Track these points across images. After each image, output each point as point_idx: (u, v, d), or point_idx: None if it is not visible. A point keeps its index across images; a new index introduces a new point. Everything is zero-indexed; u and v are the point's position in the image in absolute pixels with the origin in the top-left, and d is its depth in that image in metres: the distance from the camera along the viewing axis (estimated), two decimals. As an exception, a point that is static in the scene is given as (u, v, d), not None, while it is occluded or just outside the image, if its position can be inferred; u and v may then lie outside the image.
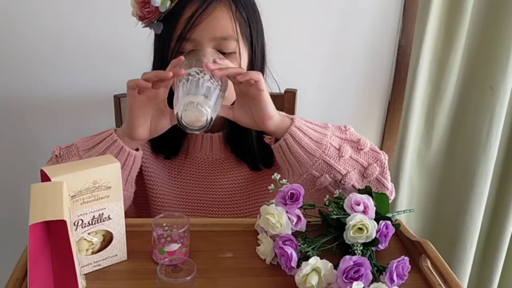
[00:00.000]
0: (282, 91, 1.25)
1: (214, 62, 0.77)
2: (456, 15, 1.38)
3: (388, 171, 0.86)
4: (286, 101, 1.22)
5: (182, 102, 0.71)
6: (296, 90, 1.26)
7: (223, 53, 0.85)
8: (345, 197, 0.75)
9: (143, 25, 0.89)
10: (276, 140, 0.85)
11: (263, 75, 0.92)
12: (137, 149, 0.84)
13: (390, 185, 0.87)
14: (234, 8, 0.85)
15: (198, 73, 0.74)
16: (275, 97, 1.08)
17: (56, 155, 0.85)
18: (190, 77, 0.73)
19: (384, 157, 0.87)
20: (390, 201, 0.86)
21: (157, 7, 0.84)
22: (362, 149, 0.85)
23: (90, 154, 0.82)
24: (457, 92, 1.48)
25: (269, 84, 0.98)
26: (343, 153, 0.83)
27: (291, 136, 0.81)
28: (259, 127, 0.83)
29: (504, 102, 1.41)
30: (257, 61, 0.91)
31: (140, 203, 1.00)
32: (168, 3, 0.83)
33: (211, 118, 0.72)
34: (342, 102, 1.53)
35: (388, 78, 1.54)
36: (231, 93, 0.83)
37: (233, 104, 0.85)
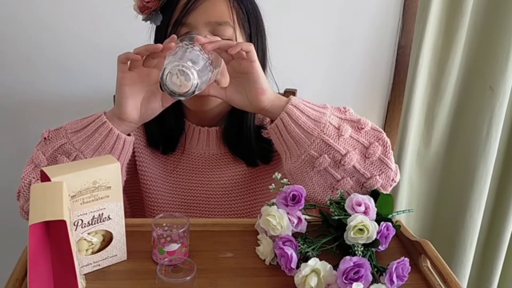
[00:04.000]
0: (282, 91, 1.25)
1: (205, 37, 0.77)
2: (455, 15, 1.38)
3: (391, 151, 0.82)
4: (286, 101, 1.22)
5: (168, 66, 0.70)
6: (296, 90, 1.26)
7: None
8: (347, 196, 0.75)
9: (144, 17, 0.89)
10: (272, 121, 0.83)
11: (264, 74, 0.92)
12: (128, 135, 0.82)
13: (394, 165, 0.82)
14: None
15: (187, 45, 0.73)
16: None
17: (44, 138, 0.84)
18: (178, 48, 0.73)
19: (386, 136, 0.82)
20: (395, 183, 0.83)
21: None
22: (362, 128, 0.81)
23: (79, 136, 0.80)
24: (456, 92, 1.48)
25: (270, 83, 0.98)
26: (343, 132, 0.79)
27: (288, 114, 0.78)
28: (253, 105, 0.80)
29: (504, 102, 1.41)
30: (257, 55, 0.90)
31: (135, 200, 1.00)
32: None
33: (197, 84, 0.70)
34: (342, 102, 1.51)
35: (388, 78, 1.54)
36: (224, 77, 0.83)
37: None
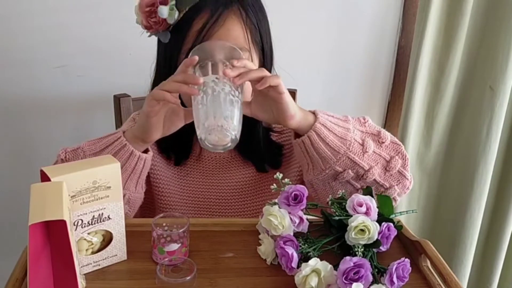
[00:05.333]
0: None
1: (232, 66, 0.72)
2: (455, 16, 1.38)
3: (408, 162, 0.85)
4: (286, 101, 1.22)
5: (205, 127, 0.67)
6: (296, 90, 1.26)
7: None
8: (348, 198, 0.75)
9: (149, 34, 0.86)
10: (297, 135, 0.82)
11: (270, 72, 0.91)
12: (146, 150, 0.82)
13: (410, 175, 0.85)
14: (245, 14, 0.82)
15: (216, 84, 0.69)
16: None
17: (61, 159, 0.82)
18: (209, 91, 0.69)
19: (404, 148, 0.85)
20: (409, 191, 0.86)
21: (165, 18, 0.80)
22: (383, 142, 0.83)
23: None
24: (456, 92, 1.49)
25: None
26: (367, 148, 0.80)
27: (316, 133, 0.78)
28: (280, 124, 0.81)
29: (504, 102, 1.41)
30: (267, 61, 0.89)
31: (145, 202, 1.00)
32: (176, 14, 0.80)
33: (235, 137, 0.68)
34: (342, 102, 1.53)
35: (388, 78, 1.54)
36: (247, 90, 0.80)
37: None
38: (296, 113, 0.77)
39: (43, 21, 1.30)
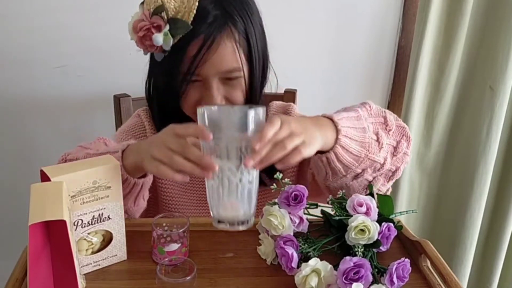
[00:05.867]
0: (282, 91, 1.25)
1: (253, 150, 0.64)
2: (455, 16, 1.38)
3: (411, 141, 0.85)
4: (286, 101, 1.22)
5: (220, 215, 0.66)
6: (296, 90, 1.26)
7: (229, 79, 0.84)
8: (348, 198, 0.75)
9: (144, 52, 0.86)
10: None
11: (265, 78, 0.91)
12: (145, 175, 0.79)
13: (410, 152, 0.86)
14: (237, 35, 0.83)
15: (233, 173, 0.64)
16: (275, 97, 1.09)
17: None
18: (226, 182, 0.65)
19: (408, 129, 0.85)
20: (406, 164, 0.86)
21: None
22: (390, 130, 0.82)
23: None
24: (457, 92, 1.48)
25: (270, 82, 0.97)
26: (382, 144, 0.80)
27: (341, 146, 0.75)
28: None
29: (504, 102, 1.41)
30: (258, 72, 0.89)
31: (149, 204, 1.00)
32: (171, 40, 0.80)
33: (250, 222, 0.67)
34: (342, 102, 1.51)
35: (388, 78, 1.54)
36: None
37: None
38: (320, 143, 0.72)
39: (43, 21, 1.30)
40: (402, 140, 0.83)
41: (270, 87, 0.97)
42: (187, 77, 0.83)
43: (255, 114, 0.64)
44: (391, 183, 0.86)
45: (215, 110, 0.67)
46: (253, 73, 0.88)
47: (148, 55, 0.89)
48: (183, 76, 0.83)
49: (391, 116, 0.84)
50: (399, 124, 0.85)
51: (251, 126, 0.63)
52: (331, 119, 0.76)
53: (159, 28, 0.79)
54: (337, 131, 0.75)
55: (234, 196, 0.65)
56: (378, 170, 0.82)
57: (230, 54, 0.83)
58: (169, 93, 0.86)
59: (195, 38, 0.80)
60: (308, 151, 0.68)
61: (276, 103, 1.02)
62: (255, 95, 0.90)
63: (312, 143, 0.69)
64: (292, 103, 1.02)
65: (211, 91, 0.84)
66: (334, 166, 0.78)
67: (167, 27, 0.79)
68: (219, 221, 0.66)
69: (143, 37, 0.81)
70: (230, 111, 0.69)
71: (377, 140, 0.80)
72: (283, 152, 0.66)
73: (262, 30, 0.90)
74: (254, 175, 0.66)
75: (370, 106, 0.84)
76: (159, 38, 0.79)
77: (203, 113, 0.64)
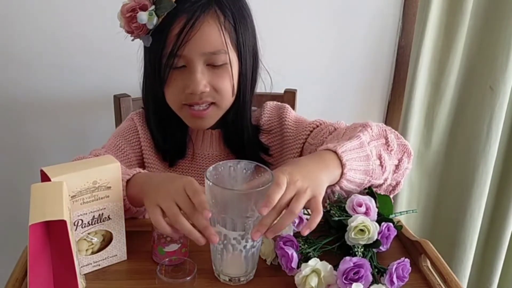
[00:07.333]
0: (282, 91, 1.25)
1: (260, 223, 0.64)
2: (455, 15, 1.38)
3: (412, 156, 0.86)
4: (286, 101, 1.22)
5: (223, 273, 0.68)
6: (296, 90, 1.26)
7: (214, 66, 0.84)
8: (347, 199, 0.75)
9: (132, 38, 0.87)
10: None
11: (256, 73, 0.91)
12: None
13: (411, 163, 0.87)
14: (222, 18, 0.83)
15: (238, 241, 0.65)
16: (275, 97, 1.09)
17: None
18: (230, 248, 0.66)
19: (409, 146, 0.86)
20: (408, 170, 0.87)
21: (144, 24, 0.81)
22: (392, 150, 0.82)
23: None
24: (457, 92, 1.48)
25: (263, 81, 0.97)
26: (386, 167, 0.80)
27: (346, 179, 0.75)
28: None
29: (504, 102, 1.41)
30: (247, 66, 0.89)
31: None
32: (155, 19, 0.81)
33: (250, 277, 0.70)
34: (342, 102, 1.53)
35: (388, 78, 1.54)
36: None
37: None
38: (326, 184, 0.72)
39: (43, 21, 1.30)
40: (404, 157, 0.84)
41: (264, 87, 0.97)
42: (170, 59, 0.83)
43: (261, 197, 0.63)
44: (391, 195, 0.86)
45: (222, 191, 0.64)
46: (242, 65, 0.88)
47: (143, 54, 0.90)
48: (167, 58, 0.83)
49: (392, 135, 0.84)
50: (400, 143, 0.85)
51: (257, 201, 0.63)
52: (335, 152, 0.75)
53: (145, 8, 0.81)
54: (342, 165, 0.74)
55: (237, 259, 0.67)
56: (379, 186, 0.83)
57: (214, 35, 0.82)
58: (155, 81, 0.86)
59: (179, 17, 0.81)
60: (316, 201, 0.67)
61: (270, 104, 1.01)
62: (244, 91, 0.90)
63: (319, 192, 0.68)
64: (286, 105, 1.00)
65: (195, 75, 0.83)
66: (337, 192, 0.79)
67: (153, 7, 0.81)
68: (220, 275, 0.69)
69: (129, 18, 0.82)
70: (234, 196, 0.65)
71: (380, 164, 0.80)
72: (290, 219, 0.65)
73: (252, 25, 0.90)
74: (259, 240, 0.68)
75: (371, 128, 0.83)
76: (143, 16, 0.80)
77: (210, 186, 0.63)
